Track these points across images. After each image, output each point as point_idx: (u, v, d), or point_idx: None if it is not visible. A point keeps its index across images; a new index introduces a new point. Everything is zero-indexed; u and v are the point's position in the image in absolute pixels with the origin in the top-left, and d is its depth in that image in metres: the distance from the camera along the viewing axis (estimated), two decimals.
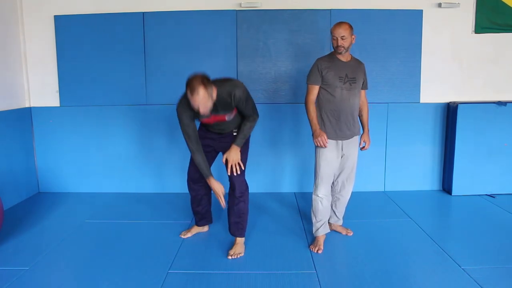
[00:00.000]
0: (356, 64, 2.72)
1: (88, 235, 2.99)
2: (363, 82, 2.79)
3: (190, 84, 2.21)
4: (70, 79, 3.88)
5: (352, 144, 2.76)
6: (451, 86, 3.91)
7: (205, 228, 3.03)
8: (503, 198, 3.73)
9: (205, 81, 2.22)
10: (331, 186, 2.85)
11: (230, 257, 2.57)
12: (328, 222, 2.92)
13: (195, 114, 2.40)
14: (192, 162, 2.74)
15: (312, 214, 2.80)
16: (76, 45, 3.83)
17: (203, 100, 2.22)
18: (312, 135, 2.67)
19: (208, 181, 2.56)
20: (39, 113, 3.96)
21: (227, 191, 2.70)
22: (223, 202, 2.56)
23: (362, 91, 2.84)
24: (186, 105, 2.36)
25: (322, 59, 2.71)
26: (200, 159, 2.52)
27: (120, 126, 3.93)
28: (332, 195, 2.89)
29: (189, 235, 2.93)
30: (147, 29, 3.79)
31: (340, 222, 2.99)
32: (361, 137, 2.87)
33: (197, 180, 2.77)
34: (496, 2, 3.76)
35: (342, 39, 2.57)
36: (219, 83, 2.39)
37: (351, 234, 2.93)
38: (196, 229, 2.99)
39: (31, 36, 3.87)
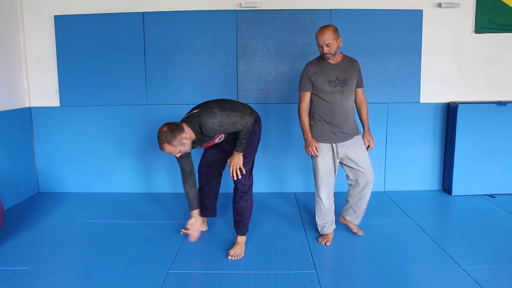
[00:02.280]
0: (348, 64, 2.66)
1: (88, 235, 2.99)
2: (358, 81, 2.73)
3: (158, 139, 2.32)
4: (70, 79, 3.88)
5: (355, 146, 2.71)
6: (451, 86, 3.91)
7: (203, 227, 3.02)
8: (503, 198, 3.73)
9: (169, 136, 2.28)
10: (352, 187, 2.82)
11: (230, 257, 2.58)
12: (343, 217, 2.91)
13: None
14: (205, 150, 2.83)
15: (316, 216, 2.82)
16: (76, 45, 3.83)
17: (172, 151, 2.34)
18: (304, 144, 2.69)
19: (191, 213, 2.62)
20: (39, 113, 3.96)
21: (231, 190, 2.72)
22: (191, 238, 2.65)
23: (359, 90, 2.78)
24: None
25: (311, 64, 2.67)
26: (188, 193, 2.61)
27: (120, 126, 3.93)
28: (354, 196, 2.82)
29: (189, 232, 2.91)
30: (147, 29, 3.79)
31: (356, 222, 2.89)
32: (363, 137, 2.83)
33: (203, 167, 2.84)
34: (496, 2, 3.76)
35: (328, 46, 2.51)
36: (191, 118, 2.40)
37: (361, 234, 2.88)
38: (200, 220, 2.92)
39: (31, 36, 3.87)
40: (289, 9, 3.75)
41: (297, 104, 2.74)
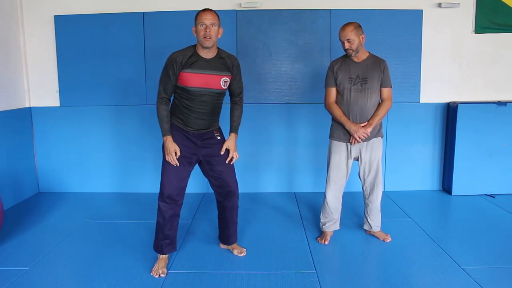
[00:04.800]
0: (371, 63, 2.63)
1: (88, 235, 2.99)
2: (382, 81, 2.63)
3: (204, 8, 2.33)
4: (70, 79, 3.88)
5: (370, 148, 2.69)
6: (451, 86, 3.91)
7: (165, 270, 2.45)
8: (503, 198, 3.73)
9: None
10: (362, 191, 2.84)
11: (242, 255, 2.61)
12: (364, 229, 2.94)
13: (182, 64, 2.28)
14: (169, 174, 2.37)
15: (321, 212, 2.86)
16: (76, 45, 3.83)
17: (213, 19, 2.30)
18: (350, 133, 2.62)
19: (166, 138, 2.34)
20: (39, 113, 3.96)
21: (216, 200, 2.63)
22: (175, 161, 2.33)
23: (383, 89, 2.65)
24: (180, 52, 2.34)
25: (335, 61, 2.71)
26: (164, 113, 2.34)
27: (120, 126, 3.93)
28: (364, 201, 2.87)
29: (165, 270, 2.41)
30: (147, 29, 3.79)
31: (376, 229, 2.86)
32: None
33: (179, 193, 2.40)
34: (496, 2, 3.76)
35: (349, 42, 2.53)
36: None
37: (389, 240, 2.81)
38: (165, 259, 2.49)
39: (31, 36, 3.87)
40: (289, 9, 3.75)
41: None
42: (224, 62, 2.40)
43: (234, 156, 2.48)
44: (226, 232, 2.66)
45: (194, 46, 2.38)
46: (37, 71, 3.93)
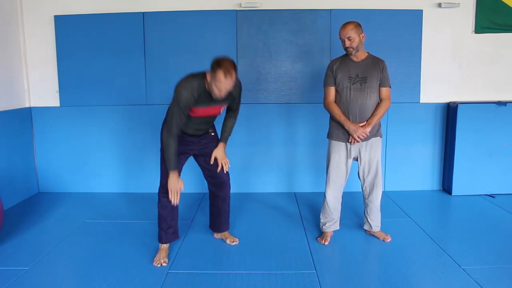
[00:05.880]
0: (371, 62, 2.63)
1: (88, 235, 2.99)
2: (381, 80, 2.63)
3: (225, 66, 2.13)
4: (70, 79, 3.88)
5: (369, 148, 2.69)
6: (451, 86, 3.91)
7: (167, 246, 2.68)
8: (503, 198, 3.73)
9: (235, 69, 2.20)
10: (362, 191, 2.84)
11: (234, 243, 2.76)
12: (364, 229, 2.94)
13: (194, 102, 2.30)
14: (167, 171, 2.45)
15: (321, 212, 2.87)
16: (76, 45, 3.83)
17: (231, 84, 2.21)
18: (348, 133, 2.63)
19: (172, 173, 2.37)
20: (39, 113, 3.96)
21: (208, 191, 2.79)
22: (176, 200, 2.40)
23: (382, 89, 2.65)
24: (191, 89, 2.26)
25: (334, 60, 2.72)
26: (173, 149, 2.34)
27: (120, 126, 3.93)
28: (364, 201, 2.87)
29: (166, 259, 2.53)
30: (147, 29, 3.79)
31: (376, 229, 2.86)
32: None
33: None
34: (496, 2, 3.76)
35: (349, 40, 2.54)
36: None
37: (389, 240, 2.81)
38: (166, 249, 2.63)
39: (31, 36, 3.87)
40: (289, 9, 3.75)
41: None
42: (229, 93, 2.36)
43: (224, 163, 2.60)
44: (218, 220, 2.80)
45: (204, 79, 2.30)
46: (37, 71, 3.93)
